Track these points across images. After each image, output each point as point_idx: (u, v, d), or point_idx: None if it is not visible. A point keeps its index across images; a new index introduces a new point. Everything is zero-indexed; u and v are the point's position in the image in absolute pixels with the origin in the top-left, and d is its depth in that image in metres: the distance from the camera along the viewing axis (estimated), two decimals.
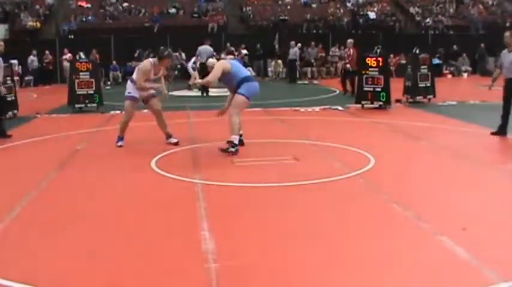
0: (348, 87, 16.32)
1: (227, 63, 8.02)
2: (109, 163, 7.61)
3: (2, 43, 10.80)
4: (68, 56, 21.47)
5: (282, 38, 24.78)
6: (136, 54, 24.49)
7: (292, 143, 8.60)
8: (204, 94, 16.67)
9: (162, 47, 8.79)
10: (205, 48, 16.99)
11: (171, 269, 3.89)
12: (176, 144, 8.54)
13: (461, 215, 5.00)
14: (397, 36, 26.69)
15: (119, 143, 8.65)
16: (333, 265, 3.98)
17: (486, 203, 5.40)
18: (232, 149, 7.69)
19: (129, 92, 8.57)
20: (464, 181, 6.39)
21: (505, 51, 8.99)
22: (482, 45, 25.40)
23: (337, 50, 25.26)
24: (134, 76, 8.52)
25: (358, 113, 12.29)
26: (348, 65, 16.23)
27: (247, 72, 8.31)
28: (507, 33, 8.92)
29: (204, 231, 4.59)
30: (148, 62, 8.42)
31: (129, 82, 8.70)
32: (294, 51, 22.84)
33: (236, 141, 7.76)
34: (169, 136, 8.71)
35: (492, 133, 8.90)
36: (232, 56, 8.32)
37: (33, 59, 23.17)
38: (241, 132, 8.09)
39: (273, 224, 4.86)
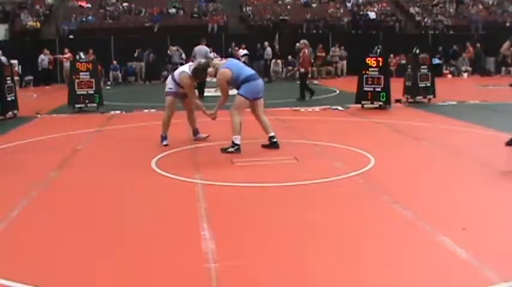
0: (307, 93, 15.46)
1: (226, 71, 7.87)
2: (109, 163, 7.60)
3: None
4: (68, 55, 21.43)
5: (282, 38, 24.80)
6: (136, 54, 24.53)
7: (292, 143, 8.59)
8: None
9: (200, 63, 8.68)
10: (201, 49, 17.04)
11: (171, 269, 3.89)
12: (206, 138, 8.82)
13: (461, 215, 5.00)
14: (397, 36, 26.70)
15: (164, 143, 8.51)
16: (333, 264, 3.98)
17: (486, 203, 5.40)
18: (232, 149, 7.73)
19: (170, 88, 8.58)
20: (464, 180, 6.39)
21: None
22: (478, 45, 25.51)
23: (337, 49, 25.34)
24: (176, 75, 8.50)
25: (358, 113, 12.29)
26: (301, 68, 15.87)
27: (249, 70, 8.14)
28: None
29: (204, 231, 4.59)
30: (187, 77, 8.33)
31: (169, 78, 8.72)
32: (268, 51, 24.41)
33: (237, 141, 7.77)
34: (197, 132, 8.93)
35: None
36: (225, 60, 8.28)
37: (43, 58, 23.13)
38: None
39: (273, 224, 4.86)
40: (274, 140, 8.09)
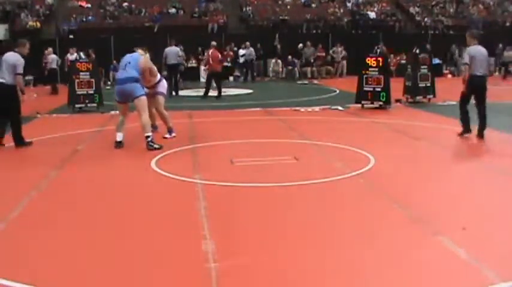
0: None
1: None
2: (109, 163, 7.61)
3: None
4: (75, 55, 21.30)
5: (282, 38, 24.77)
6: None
7: (292, 143, 8.60)
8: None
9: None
10: (172, 50, 17.39)
11: (171, 269, 3.89)
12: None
13: (461, 215, 5.00)
14: (397, 36, 26.69)
15: (172, 135, 9.43)
16: (333, 264, 3.98)
17: (486, 203, 5.40)
18: (115, 145, 8.45)
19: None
20: (464, 180, 6.39)
21: None
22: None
23: (337, 49, 25.32)
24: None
25: (358, 113, 12.29)
26: (208, 69, 16.45)
27: (121, 74, 8.71)
28: None
29: (204, 231, 4.59)
30: None
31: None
32: (249, 51, 24.11)
33: (117, 139, 8.48)
34: (154, 127, 9.47)
35: None
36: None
37: (53, 58, 22.97)
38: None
39: (273, 224, 4.86)
40: (149, 140, 8.34)
